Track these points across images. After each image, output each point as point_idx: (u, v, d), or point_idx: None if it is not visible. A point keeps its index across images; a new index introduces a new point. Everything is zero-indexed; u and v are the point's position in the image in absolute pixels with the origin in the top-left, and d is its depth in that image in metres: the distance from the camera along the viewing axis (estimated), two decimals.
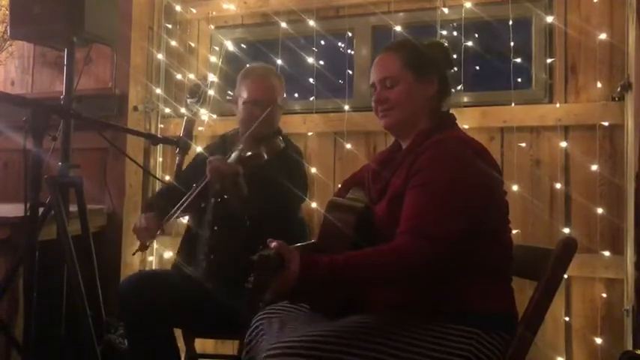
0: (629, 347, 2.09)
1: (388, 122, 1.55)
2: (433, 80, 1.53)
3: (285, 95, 2.26)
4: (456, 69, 2.52)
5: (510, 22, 2.50)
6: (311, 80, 2.80)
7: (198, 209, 2.11)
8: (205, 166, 1.93)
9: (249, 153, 1.95)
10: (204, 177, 1.91)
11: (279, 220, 1.89)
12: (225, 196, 1.95)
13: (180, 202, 1.94)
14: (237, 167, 1.88)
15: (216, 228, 2.07)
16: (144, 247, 2.02)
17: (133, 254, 2.08)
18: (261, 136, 2.03)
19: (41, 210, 1.82)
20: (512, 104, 2.46)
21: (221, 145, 2.25)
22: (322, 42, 2.83)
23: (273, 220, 1.85)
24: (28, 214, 1.70)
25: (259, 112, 2.05)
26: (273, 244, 1.24)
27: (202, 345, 2.52)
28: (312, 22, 2.77)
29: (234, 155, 1.93)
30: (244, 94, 2.14)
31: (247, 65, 2.27)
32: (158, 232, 2.02)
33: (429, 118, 1.53)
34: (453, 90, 2.47)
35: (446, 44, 1.64)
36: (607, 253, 2.30)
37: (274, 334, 1.41)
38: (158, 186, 2.98)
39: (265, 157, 1.96)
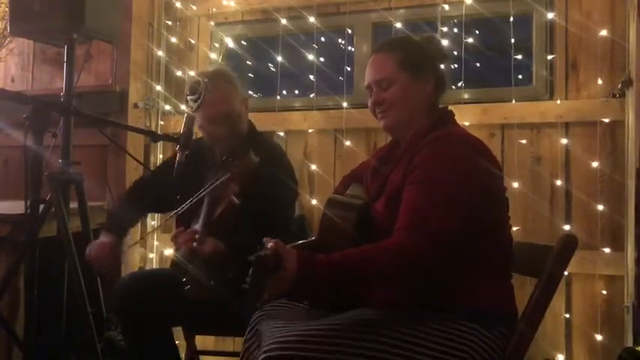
0: (630, 344, 2.09)
1: (387, 123, 1.54)
2: (429, 78, 1.52)
3: (243, 92, 2.06)
4: (455, 65, 2.52)
5: (511, 19, 2.49)
6: (311, 77, 2.79)
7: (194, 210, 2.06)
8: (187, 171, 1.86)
9: (218, 212, 1.78)
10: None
11: (275, 228, 1.83)
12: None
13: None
14: (208, 248, 1.74)
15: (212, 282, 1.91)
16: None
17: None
18: (234, 151, 1.87)
19: (42, 207, 1.82)
20: (513, 101, 2.46)
21: (196, 153, 2.03)
22: (322, 39, 2.83)
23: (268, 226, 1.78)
24: (28, 211, 1.70)
25: (221, 130, 1.96)
26: (270, 244, 1.24)
27: (202, 342, 2.52)
28: (312, 19, 2.76)
29: (203, 220, 1.79)
30: (198, 111, 1.95)
31: (192, 77, 2.10)
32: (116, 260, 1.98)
33: (426, 115, 1.52)
34: (452, 87, 2.51)
35: (437, 37, 1.63)
36: (607, 250, 2.30)
37: (273, 330, 1.41)
38: None
39: (237, 201, 1.77)
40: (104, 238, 2.01)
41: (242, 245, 1.64)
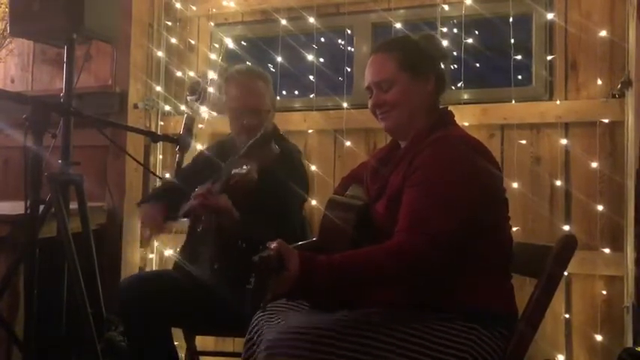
0: (629, 344, 2.09)
1: (388, 125, 1.54)
2: (429, 77, 1.52)
3: (273, 93, 2.17)
4: (455, 66, 2.53)
5: (511, 19, 2.49)
6: (311, 77, 2.79)
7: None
8: (206, 168, 1.91)
9: (236, 178, 1.83)
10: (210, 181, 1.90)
11: (279, 223, 1.86)
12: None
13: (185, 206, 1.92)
14: (222, 201, 1.82)
15: (215, 266, 1.99)
16: (149, 238, 2.02)
17: (141, 246, 2.06)
18: (258, 143, 1.95)
19: (41, 207, 1.82)
20: (513, 101, 2.46)
21: (218, 152, 2.16)
22: (322, 39, 2.83)
23: (273, 224, 1.81)
24: (28, 211, 1.70)
25: (248, 121, 2.03)
26: (273, 245, 1.24)
27: (203, 342, 2.52)
28: (312, 19, 2.76)
29: (220, 183, 1.86)
30: (230, 103, 2.08)
31: (229, 70, 2.19)
32: (165, 225, 2.01)
33: (426, 115, 1.52)
34: (452, 87, 2.51)
35: (436, 35, 1.63)
36: (607, 250, 2.30)
37: (274, 327, 1.41)
38: (158, 184, 2.98)
39: (256, 176, 1.83)
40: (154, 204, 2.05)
41: (252, 228, 1.76)
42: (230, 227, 1.85)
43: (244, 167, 1.82)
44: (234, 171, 1.82)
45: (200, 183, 1.97)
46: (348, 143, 2.67)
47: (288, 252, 1.24)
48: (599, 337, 2.30)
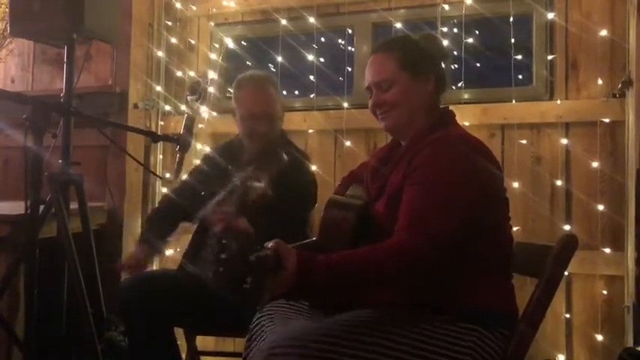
0: (630, 344, 2.09)
1: (388, 124, 1.54)
2: (430, 77, 1.52)
3: (281, 99, 2.20)
4: (455, 65, 2.52)
5: (511, 19, 2.49)
6: (311, 77, 2.79)
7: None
8: (214, 169, 1.95)
9: (253, 197, 1.78)
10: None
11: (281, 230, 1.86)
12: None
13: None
14: (242, 224, 1.80)
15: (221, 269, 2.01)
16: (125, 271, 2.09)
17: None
18: (266, 149, 1.99)
19: (42, 207, 1.82)
20: (513, 101, 2.46)
21: (226, 153, 2.18)
22: (322, 39, 2.83)
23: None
24: (28, 211, 1.70)
25: (260, 127, 2.04)
26: (271, 245, 1.24)
27: (203, 342, 2.52)
28: (312, 19, 2.76)
29: (235, 201, 1.82)
30: (241, 108, 2.09)
31: (240, 76, 2.18)
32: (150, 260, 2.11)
33: (427, 115, 1.52)
34: (453, 87, 2.50)
35: (437, 35, 1.63)
36: (608, 250, 2.30)
37: (275, 331, 1.41)
38: (158, 184, 2.98)
39: (270, 192, 1.79)
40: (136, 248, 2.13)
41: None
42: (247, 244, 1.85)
43: (258, 183, 1.81)
44: (248, 183, 1.81)
45: (213, 184, 1.96)
46: (348, 143, 2.67)
47: (285, 251, 1.24)
48: (599, 337, 2.30)
